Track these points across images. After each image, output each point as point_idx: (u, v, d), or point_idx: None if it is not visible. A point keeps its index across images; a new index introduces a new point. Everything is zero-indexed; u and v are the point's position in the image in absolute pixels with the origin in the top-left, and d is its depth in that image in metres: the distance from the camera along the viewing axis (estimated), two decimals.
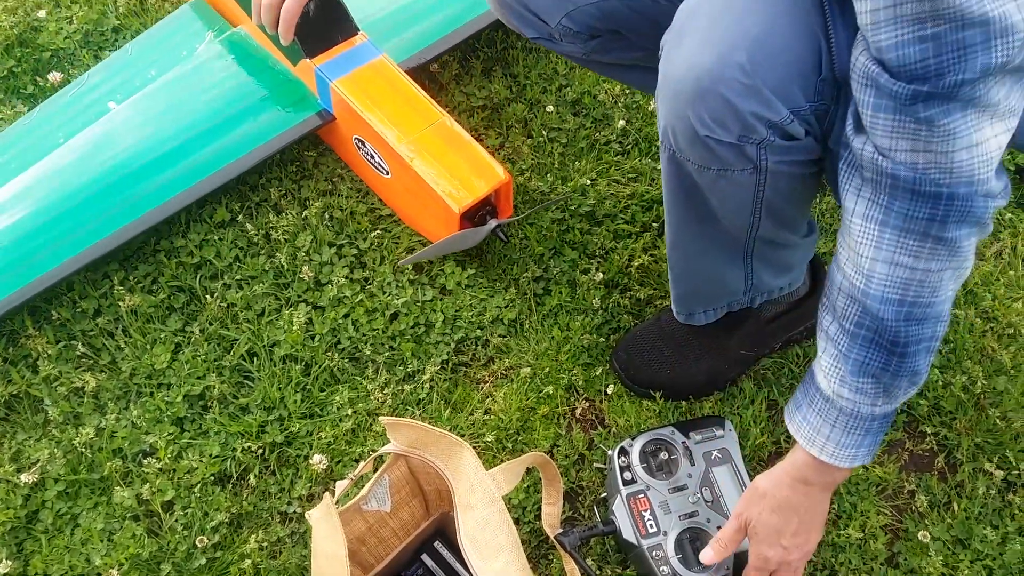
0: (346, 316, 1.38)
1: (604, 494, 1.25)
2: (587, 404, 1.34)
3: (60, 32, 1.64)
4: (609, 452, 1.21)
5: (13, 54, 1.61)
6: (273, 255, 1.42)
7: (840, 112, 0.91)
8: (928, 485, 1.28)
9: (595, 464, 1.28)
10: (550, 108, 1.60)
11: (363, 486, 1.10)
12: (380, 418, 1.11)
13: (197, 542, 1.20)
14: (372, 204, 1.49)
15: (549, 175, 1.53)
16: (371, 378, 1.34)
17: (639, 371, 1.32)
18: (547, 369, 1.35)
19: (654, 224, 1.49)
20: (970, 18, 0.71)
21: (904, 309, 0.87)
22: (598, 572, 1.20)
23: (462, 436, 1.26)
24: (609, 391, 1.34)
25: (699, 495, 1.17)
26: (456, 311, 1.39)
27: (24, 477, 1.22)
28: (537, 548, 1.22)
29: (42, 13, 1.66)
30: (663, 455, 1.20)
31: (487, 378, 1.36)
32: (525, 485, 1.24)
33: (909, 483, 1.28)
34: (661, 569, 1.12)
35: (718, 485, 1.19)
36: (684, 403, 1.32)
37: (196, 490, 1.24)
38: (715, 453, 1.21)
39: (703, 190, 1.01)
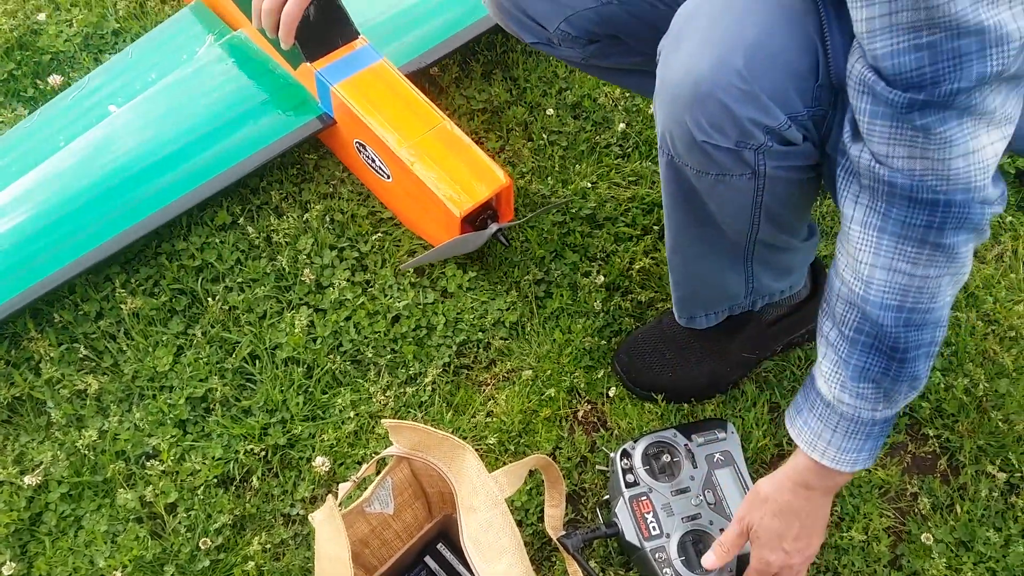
0: (348, 319, 1.38)
1: (607, 496, 1.25)
2: (589, 406, 1.34)
3: (60, 35, 1.64)
4: (611, 454, 1.21)
5: (13, 57, 1.61)
6: (274, 258, 1.43)
7: (838, 118, 0.91)
8: (931, 487, 1.28)
9: (597, 466, 1.28)
10: (550, 111, 1.60)
11: (366, 488, 1.10)
12: (382, 420, 1.11)
13: (200, 544, 1.20)
14: (373, 207, 1.49)
15: (549, 178, 1.53)
16: (373, 380, 1.34)
17: (641, 374, 1.32)
18: (549, 372, 1.35)
19: (655, 227, 1.49)
20: (965, 27, 0.71)
21: (903, 315, 0.87)
22: (601, 574, 1.20)
23: (464, 438, 1.27)
24: (611, 393, 1.34)
25: (702, 497, 1.17)
26: (458, 314, 1.40)
27: (27, 479, 1.23)
28: (540, 550, 1.23)
29: (42, 16, 1.66)
30: (665, 457, 1.20)
31: (489, 381, 1.36)
32: (528, 487, 1.24)
33: (912, 485, 1.28)
34: (664, 571, 1.12)
35: (720, 487, 1.19)
36: (686, 405, 1.32)
37: (199, 492, 1.24)
38: (717, 455, 1.21)
39: (702, 195, 1.01)
